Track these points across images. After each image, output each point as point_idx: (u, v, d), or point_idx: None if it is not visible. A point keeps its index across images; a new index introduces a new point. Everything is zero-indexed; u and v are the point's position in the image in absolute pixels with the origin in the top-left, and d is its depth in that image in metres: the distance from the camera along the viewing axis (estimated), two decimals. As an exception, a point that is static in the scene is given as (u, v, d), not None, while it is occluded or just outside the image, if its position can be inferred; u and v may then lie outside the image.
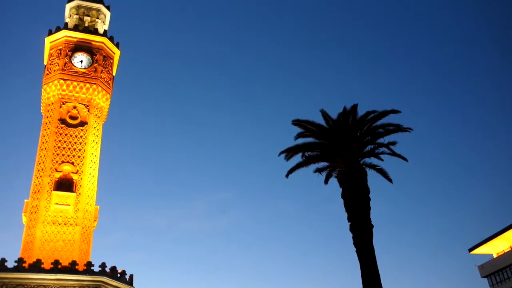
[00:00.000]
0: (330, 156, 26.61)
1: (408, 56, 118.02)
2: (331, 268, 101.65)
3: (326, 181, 27.49)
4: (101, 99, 47.78)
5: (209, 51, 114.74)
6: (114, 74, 51.19)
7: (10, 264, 37.80)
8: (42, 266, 38.25)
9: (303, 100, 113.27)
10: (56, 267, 38.33)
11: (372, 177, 25.94)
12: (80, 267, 39.23)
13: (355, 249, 23.93)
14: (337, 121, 26.73)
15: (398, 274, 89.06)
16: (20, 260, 38.04)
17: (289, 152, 27.49)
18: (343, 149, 25.91)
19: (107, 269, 39.77)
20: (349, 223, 24.54)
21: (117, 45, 51.20)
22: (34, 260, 38.68)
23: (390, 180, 26.33)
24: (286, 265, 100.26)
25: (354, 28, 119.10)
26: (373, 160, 26.41)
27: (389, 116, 26.33)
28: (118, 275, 40.59)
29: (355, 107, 26.71)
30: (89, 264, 39.28)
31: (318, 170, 27.42)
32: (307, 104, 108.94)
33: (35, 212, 41.79)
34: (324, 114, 26.95)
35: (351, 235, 24.47)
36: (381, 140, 26.21)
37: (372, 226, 24.15)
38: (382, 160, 26.29)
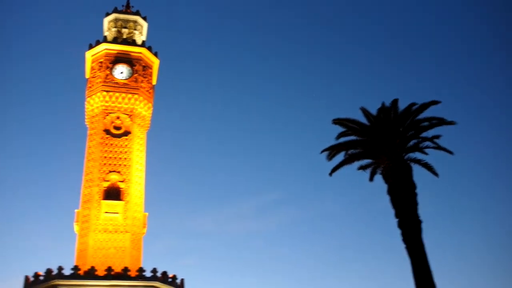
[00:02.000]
0: (373, 153, 26.65)
1: (446, 44, 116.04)
2: (381, 266, 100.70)
3: (371, 178, 27.51)
4: (143, 108, 48.89)
5: (248, 54, 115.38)
6: (154, 82, 52.30)
7: (66, 271, 39.23)
8: (96, 273, 39.51)
9: (339, 99, 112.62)
10: (110, 274, 39.54)
11: (416, 172, 25.85)
12: (132, 273, 40.30)
13: (404, 245, 23.91)
14: (378, 117, 26.73)
15: (449, 269, 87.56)
16: (76, 268, 39.44)
17: (331, 151, 27.60)
18: (386, 145, 25.92)
19: (159, 274, 40.75)
20: (397, 219, 24.53)
21: (155, 54, 52.26)
22: (88, 267, 40.02)
23: (436, 174, 26.18)
24: (336, 265, 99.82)
25: (383, 20, 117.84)
26: (417, 155, 26.31)
27: (430, 108, 26.19)
28: (170, 279, 41.52)
29: (395, 101, 26.67)
30: (141, 270, 40.34)
31: (362, 168, 27.46)
32: (343, 103, 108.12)
33: (87, 221, 43.14)
34: (365, 111, 27.00)
35: (398, 231, 24.45)
36: (425, 134, 26.10)
37: (421, 222, 24.10)
38: (426, 154, 26.19)
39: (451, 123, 25.77)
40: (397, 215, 24.67)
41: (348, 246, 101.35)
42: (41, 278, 39.43)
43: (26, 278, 40.19)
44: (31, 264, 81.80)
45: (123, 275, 39.76)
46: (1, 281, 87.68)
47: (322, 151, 27.70)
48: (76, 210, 44.59)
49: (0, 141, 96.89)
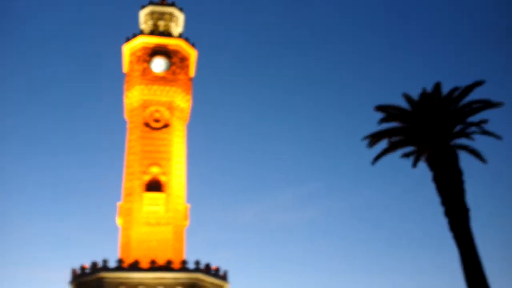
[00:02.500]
0: (417, 140, 25.78)
1: (486, 22, 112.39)
2: (427, 254, 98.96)
3: (414, 165, 26.67)
4: (182, 100, 48.88)
5: (285, 43, 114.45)
6: (192, 74, 52.20)
7: (111, 264, 39.77)
8: (140, 265, 39.90)
9: (380, 86, 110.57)
10: (153, 266, 39.85)
11: (462, 159, 24.89)
12: (176, 265, 40.54)
13: (451, 234, 23.08)
14: (421, 102, 25.80)
15: (498, 258, 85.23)
16: (120, 261, 39.92)
17: (373, 138, 26.84)
18: (430, 131, 25.02)
19: (201, 266, 40.84)
20: (443, 207, 23.69)
21: (193, 46, 52.10)
22: (132, 260, 40.45)
23: (483, 161, 25.14)
24: (378, 254, 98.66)
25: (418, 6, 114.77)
26: (463, 141, 25.30)
27: (474, 91, 25.12)
28: (213, 271, 41.59)
29: (438, 85, 25.68)
30: (184, 262, 40.52)
31: (406, 155, 26.63)
32: (385, 90, 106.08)
33: (129, 214, 43.56)
34: (407, 97, 26.10)
35: (444, 220, 23.63)
36: (470, 119, 25.05)
37: (468, 210, 23.20)
38: (473, 140, 25.15)
39: (498, 104, 24.62)
40: (443, 203, 23.85)
41: (391, 235, 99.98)
42: (87, 271, 40.09)
43: (73, 271, 40.97)
44: (77, 256, 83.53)
45: (167, 267, 40.06)
46: (50, 273, 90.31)
47: (363, 139, 26.95)
48: (118, 203, 45.07)
49: (42, 139, 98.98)
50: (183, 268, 40.29)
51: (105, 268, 39.47)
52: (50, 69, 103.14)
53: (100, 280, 39.06)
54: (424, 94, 25.47)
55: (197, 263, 40.68)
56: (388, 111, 26.34)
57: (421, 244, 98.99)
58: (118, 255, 42.87)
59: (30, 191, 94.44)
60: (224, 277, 42.52)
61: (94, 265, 39.91)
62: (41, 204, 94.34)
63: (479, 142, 25.12)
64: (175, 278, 39.69)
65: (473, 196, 24.38)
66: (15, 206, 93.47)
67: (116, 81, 53.89)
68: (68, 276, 41.22)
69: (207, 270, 41.11)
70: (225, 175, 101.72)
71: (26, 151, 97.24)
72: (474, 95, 24.97)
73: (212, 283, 41.23)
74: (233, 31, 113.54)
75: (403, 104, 25.87)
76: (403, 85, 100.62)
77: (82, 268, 40.48)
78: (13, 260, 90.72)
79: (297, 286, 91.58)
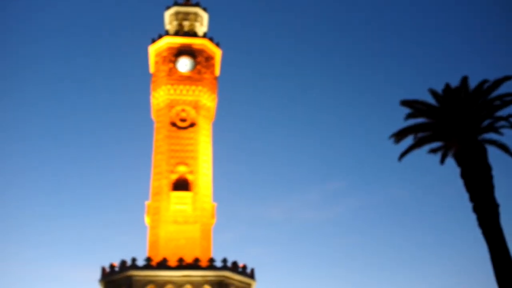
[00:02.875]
0: (444, 135, 25.48)
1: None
2: (454, 251, 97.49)
3: (442, 161, 26.36)
4: (207, 99, 49.17)
5: (310, 40, 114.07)
6: (217, 73, 52.46)
7: (139, 262, 40.25)
8: (168, 263, 40.25)
9: (405, 82, 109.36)
10: (181, 264, 40.18)
11: (491, 154, 24.51)
12: (203, 263, 40.78)
13: (480, 230, 22.76)
14: (447, 97, 25.49)
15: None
16: (149, 259, 40.34)
17: (399, 135, 26.62)
18: (457, 126, 24.70)
19: (229, 264, 41.02)
20: (472, 203, 23.38)
21: (217, 45, 52.34)
22: (161, 258, 40.84)
23: (513, 156, 24.72)
24: (406, 252, 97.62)
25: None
26: (492, 136, 24.89)
27: (503, 85, 24.72)
28: (240, 269, 41.74)
29: (465, 79, 25.33)
30: (212, 260, 40.75)
31: (433, 151, 26.33)
32: (410, 86, 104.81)
33: (157, 213, 44.00)
34: (433, 92, 25.82)
35: (473, 216, 23.32)
36: (499, 113, 24.63)
37: (498, 205, 22.83)
38: (502, 134, 24.73)
39: (528, 98, 24.18)
40: (472, 199, 23.54)
41: (418, 233, 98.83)
42: (117, 269, 40.62)
43: (103, 269, 41.56)
44: (107, 255, 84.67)
45: (195, 265, 40.33)
46: (80, 271, 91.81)
47: (390, 136, 26.75)
48: (146, 202, 45.56)
49: (72, 139, 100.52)
50: (211, 266, 40.53)
51: (134, 266, 39.94)
52: (77, 71, 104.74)
53: (129, 278, 39.54)
54: (450, 89, 25.14)
55: (225, 261, 40.88)
56: (414, 107, 26.08)
57: (449, 242, 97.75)
58: (147, 253, 43.34)
59: (61, 191, 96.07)
60: (251, 275, 42.65)
61: (123, 263, 40.41)
62: (71, 204, 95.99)
63: (508, 136, 24.73)
64: (202, 276, 39.96)
65: (502, 192, 24.03)
66: (47, 206, 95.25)
67: (143, 82, 54.43)
68: (98, 274, 41.92)
69: (235, 268, 41.28)
70: (250, 173, 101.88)
71: (56, 152, 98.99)
72: (501, 90, 24.61)
73: (239, 281, 41.39)
74: (256, 29, 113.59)
75: (429, 99, 25.62)
76: (427, 81, 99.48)
77: (112, 267, 41.05)
78: (45, 259, 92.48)
79: (323, 284, 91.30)
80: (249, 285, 42.38)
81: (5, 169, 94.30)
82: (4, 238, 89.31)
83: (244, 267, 42.24)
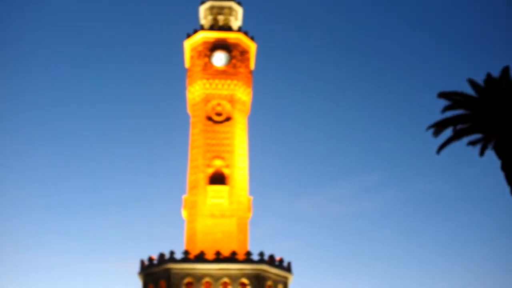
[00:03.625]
0: (484, 127, 24.94)
1: None
2: (495, 245, 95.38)
3: (481, 154, 25.82)
4: (243, 93, 49.28)
5: (343, 34, 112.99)
6: (252, 67, 52.49)
7: (177, 255, 40.76)
8: (205, 257, 40.63)
9: (442, 72, 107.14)
10: (218, 257, 40.49)
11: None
12: (240, 257, 41.01)
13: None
14: (487, 88, 24.92)
15: None
16: (186, 252, 40.81)
17: (438, 127, 26.18)
18: (498, 117, 24.13)
19: (266, 258, 41.14)
20: (513, 197, 22.85)
21: (252, 39, 52.32)
22: (198, 251, 41.25)
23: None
24: (443, 247, 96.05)
25: None
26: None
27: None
28: (277, 262, 41.82)
29: (506, 70, 24.71)
30: (248, 254, 40.94)
31: (472, 143, 25.83)
32: (448, 77, 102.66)
33: (194, 207, 44.44)
34: (473, 83, 25.28)
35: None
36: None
37: (540, 199, 22.26)
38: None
39: None
40: (513, 192, 23.03)
41: (455, 227, 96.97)
42: (155, 262, 41.24)
43: (142, 262, 42.27)
44: (145, 248, 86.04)
45: (232, 258, 40.59)
46: (120, 264, 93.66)
47: (428, 128, 26.35)
48: (183, 196, 46.07)
49: (110, 135, 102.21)
50: (248, 259, 40.72)
51: (172, 259, 40.46)
52: (114, 67, 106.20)
53: (167, 271, 40.10)
54: (490, 79, 24.56)
55: (261, 254, 41.00)
56: (453, 98, 25.60)
57: (488, 237, 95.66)
58: (184, 246, 43.86)
59: (102, 188, 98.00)
60: (288, 268, 42.69)
61: (161, 256, 40.98)
62: (110, 199, 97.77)
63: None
64: (239, 269, 40.20)
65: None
66: (88, 201, 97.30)
67: (179, 77, 54.91)
68: (137, 267, 42.63)
69: (271, 261, 41.38)
70: (286, 166, 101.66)
71: (96, 150, 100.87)
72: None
73: (276, 274, 41.48)
74: (291, 22, 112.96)
75: (468, 90, 25.09)
76: (466, 72, 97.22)
77: (150, 260, 41.69)
78: (86, 252, 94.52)
79: (357, 278, 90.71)
80: (286, 278, 42.44)
81: (53, 165, 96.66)
82: (48, 231, 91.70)
83: (281, 261, 42.30)
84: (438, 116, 25.83)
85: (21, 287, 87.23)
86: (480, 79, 25.09)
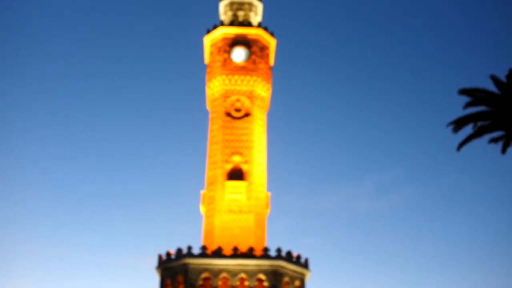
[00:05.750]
0: (505, 124, 24.51)
1: None
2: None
3: (503, 151, 25.39)
4: (262, 89, 49.21)
5: (366, 27, 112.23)
6: (272, 63, 52.37)
7: (195, 251, 40.93)
8: (223, 252, 40.73)
9: (464, 69, 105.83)
10: (236, 253, 40.56)
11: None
12: (258, 253, 41.03)
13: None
14: (510, 84, 24.48)
15: None
16: (204, 247, 40.95)
17: (458, 124, 25.82)
18: (521, 115, 23.72)
19: (283, 254, 41.09)
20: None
21: (272, 34, 52.18)
22: (216, 246, 41.37)
23: None
24: (464, 244, 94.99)
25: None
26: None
27: None
28: (294, 259, 41.75)
29: (529, 66, 24.24)
30: (266, 250, 40.94)
31: (493, 140, 25.40)
32: (469, 73, 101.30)
33: (212, 202, 44.57)
34: (495, 79, 24.83)
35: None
36: None
37: None
38: None
39: None
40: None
41: (477, 224, 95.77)
42: (173, 257, 41.47)
43: (160, 257, 42.54)
44: (163, 243, 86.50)
45: (249, 254, 40.64)
46: (138, 259, 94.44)
47: (448, 125, 26.00)
48: (201, 192, 46.21)
49: (129, 129, 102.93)
50: (265, 255, 40.73)
51: (190, 254, 40.64)
52: (134, 61, 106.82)
53: (185, 265, 40.29)
54: (512, 75, 24.13)
55: (279, 250, 40.97)
56: (474, 95, 25.19)
57: (511, 235, 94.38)
58: (202, 242, 44.01)
59: (120, 182, 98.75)
60: (305, 265, 42.61)
61: (179, 251, 41.19)
62: (129, 194, 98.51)
63: None
64: (257, 265, 40.22)
65: None
66: (107, 196, 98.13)
67: (199, 73, 55.09)
68: (155, 262, 42.90)
69: (289, 257, 41.33)
70: (305, 163, 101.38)
71: (115, 145, 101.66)
72: None
73: (293, 271, 41.42)
74: (311, 18, 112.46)
75: (490, 87, 24.68)
76: (487, 69, 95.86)
77: (168, 254, 41.93)
78: (105, 246, 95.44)
79: (377, 275, 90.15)
80: (303, 275, 42.37)
81: (72, 157, 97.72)
82: (66, 224, 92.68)
83: (298, 257, 42.21)
84: (459, 113, 25.45)
85: (37, 280, 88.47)
86: (502, 75, 24.66)
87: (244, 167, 45.62)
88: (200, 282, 39.88)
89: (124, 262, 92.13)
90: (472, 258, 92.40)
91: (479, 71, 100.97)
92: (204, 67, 52.72)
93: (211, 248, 41.57)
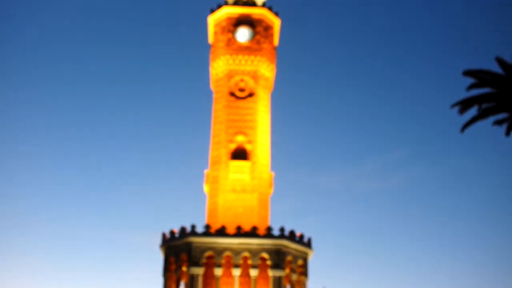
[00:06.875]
0: (510, 106, 24.55)
1: None
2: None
3: (507, 133, 25.46)
4: (266, 69, 49.15)
5: (374, 7, 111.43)
6: (276, 43, 52.22)
7: (199, 229, 41.33)
8: (227, 231, 41.11)
9: (470, 50, 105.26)
10: (239, 232, 40.93)
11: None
12: (261, 232, 41.43)
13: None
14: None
15: None
16: (208, 226, 41.31)
17: (463, 105, 25.86)
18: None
19: (286, 233, 41.46)
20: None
21: (276, 14, 51.95)
22: (219, 225, 41.75)
23: None
24: (469, 223, 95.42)
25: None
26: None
27: None
28: (297, 238, 42.13)
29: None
30: (269, 229, 41.29)
31: (498, 122, 25.47)
32: (476, 54, 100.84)
33: (216, 182, 44.85)
34: (500, 61, 24.80)
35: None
36: None
37: None
38: None
39: None
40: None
41: (481, 205, 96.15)
42: (176, 235, 41.87)
43: (163, 235, 42.98)
44: (167, 221, 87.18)
45: (252, 233, 41.01)
46: (142, 237, 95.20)
47: (453, 106, 26.05)
48: (205, 171, 46.47)
49: (132, 109, 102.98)
50: (268, 234, 41.10)
51: (193, 233, 41.03)
52: (139, 42, 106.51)
53: (189, 244, 40.70)
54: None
55: (282, 229, 41.33)
56: (479, 76, 25.20)
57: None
58: (206, 221, 44.41)
59: (125, 161, 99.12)
60: (308, 244, 43.03)
61: (183, 230, 41.58)
62: (134, 172, 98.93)
63: None
64: (260, 244, 40.63)
65: None
66: (111, 174, 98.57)
67: (203, 52, 55.09)
68: (159, 240, 43.36)
69: (292, 236, 41.71)
70: (309, 143, 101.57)
71: (119, 124, 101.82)
72: None
73: (296, 250, 41.85)
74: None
75: (495, 68, 24.67)
76: (494, 50, 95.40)
77: (172, 233, 42.35)
78: (109, 225, 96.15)
79: (380, 254, 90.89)
80: (305, 254, 42.81)
81: (77, 137, 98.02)
82: (70, 203, 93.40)
83: (301, 236, 42.61)
84: (465, 95, 25.49)
85: (41, 257, 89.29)
86: (508, 57, 24.63)
87: (247, 147, 45.80)
88: (204, 261, 40.32)
89: (129, 240, 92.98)
90: (476, 238, 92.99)
91: (486, 52, 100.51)
92: (208, 47, 52.69)
93: (215, 227, 41.97)
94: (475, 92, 25.27)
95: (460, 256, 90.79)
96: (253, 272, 39.95)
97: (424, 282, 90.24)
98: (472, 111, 25.37)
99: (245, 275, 40.38)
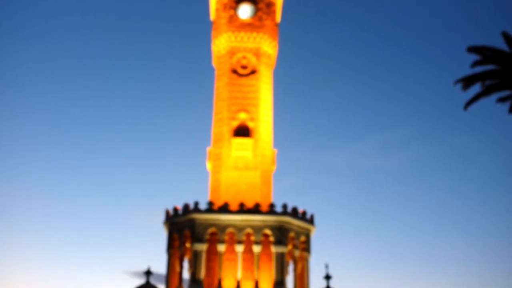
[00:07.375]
0: (514, 83, 24.53)
1: None
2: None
3: (510, 111, 25.50)
4: (268, 46, 48.91)
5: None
6: (278, 20, 51.89)
7: (202, 206, 41.57)
8: (229, 208, 41.39)
9: (475, 26, 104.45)
10: (242, 209, 41.21)
11: None
12: (264, 208, 41.70)
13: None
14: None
15: None
16: (210, 203, 41.57)
17: (466, 82, 25.84)
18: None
19: (289, 210, 41.75)
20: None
21: (279, -11, 51.54)
22: (222, 202, 42.02)
23: None
24: (469, 203, 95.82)
25: None
26: None
27: None
28: (300, 215, 42.43)
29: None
30: (272, 205, 41.55)
31: (501, 100, 25.48)
32: (480, 30, 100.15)
33: (218, 159, 45.01)
34: (506, 36, 24.68)
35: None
36: None
37: None
38: None
39: None
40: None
41: (484, 183, 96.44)
42: (180, 212, 42.18)
43: (167, 211, 43.29)
44: (170, 198, 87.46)
45: (255, 210, 41.28)
46: (146, 213, 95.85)
47: (456, 82, 26.04)
48: (208, 149, 46.61)
49: (134, 86, 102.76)
50: (271, 211, 41.37)
51: (196, 209, 41.30)
52: (140, 19, 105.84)
53: (192, 220, 41.02)
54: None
55: (284, 206, 41.59)
56: (483, 53, 25.12)
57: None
58: (208, 198, 44.68)
59: (127, 139, 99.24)
60: (310, 221, 43.34)
61: (186, 207, 41.85)
62: (136, 149, 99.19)
63: None
64: (263, 221, 40.93)
65: None
66: (114, 154, 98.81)
67: (204, 30, 54.73)
68: (162, 217, 43.70)
69: (294, 213, 42.00)
70: (312, 120, 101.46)
71: (122, 102, 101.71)
72: None
73: (298, 226, 42.18)
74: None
75: (501, 45, 24.58)
76: (500, 26, 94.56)
77: (175, 210, 42.63)
78: (112, 204, 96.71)
79: (381, 231, 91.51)
80: (308, 230, 43.17)
81: (80, 116, 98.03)
82: (72, 181, 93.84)
83: (304, 213, 42.91)
84: (469, 71, 25.44)
85: (45, 236, 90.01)
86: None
87: (250, 124, 45.84)
88: (207, 237, 40.66)
89: (132, 217, 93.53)
90: (479, 216, 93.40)
91: (491, 29, 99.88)
92: (210, 24, 52.38)
93: (218, 204, 42.25)
94: (479, 69, 25.24)
95: (461, 234, 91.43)
96: (256, 248, 40.32)
97: (424, 259, 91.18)
98: (476, 89, 25.37)
99: (248, 251, 40.77)
